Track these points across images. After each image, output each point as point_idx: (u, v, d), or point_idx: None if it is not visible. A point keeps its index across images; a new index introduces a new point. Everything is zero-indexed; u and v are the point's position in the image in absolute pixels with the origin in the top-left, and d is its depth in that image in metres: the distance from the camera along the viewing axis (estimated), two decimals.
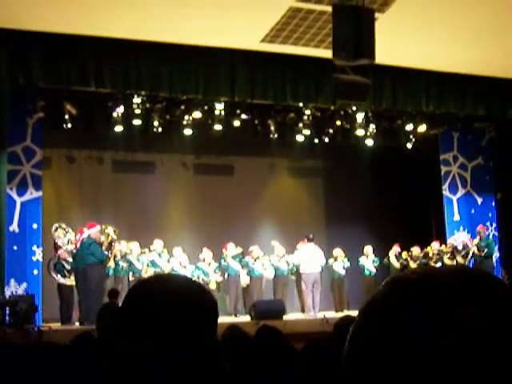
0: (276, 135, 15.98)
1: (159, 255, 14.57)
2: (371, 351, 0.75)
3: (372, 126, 16.34)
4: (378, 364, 0.74)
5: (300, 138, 16.11)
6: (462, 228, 16.80)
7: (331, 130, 16.43)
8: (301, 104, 14.87)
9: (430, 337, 0.72)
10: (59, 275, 13.40)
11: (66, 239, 13.66)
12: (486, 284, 0.76)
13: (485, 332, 0.71)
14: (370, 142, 16.57)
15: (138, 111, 14.46)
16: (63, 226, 13.85)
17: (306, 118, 15.61)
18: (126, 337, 1.44)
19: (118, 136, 15.24)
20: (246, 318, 13.20)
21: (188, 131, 15.28)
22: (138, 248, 14.40)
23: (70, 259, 13.35)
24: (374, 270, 16.18)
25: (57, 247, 13.65)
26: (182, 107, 14.91)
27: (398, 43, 12.74)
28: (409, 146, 17.10)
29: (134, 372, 1.42)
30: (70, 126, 14.34)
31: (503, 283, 0.78)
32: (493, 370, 0.69)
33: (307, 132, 15.91)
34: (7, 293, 12.69)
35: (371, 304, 0.79)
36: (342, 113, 15.98)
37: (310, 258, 14.65)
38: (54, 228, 13.70)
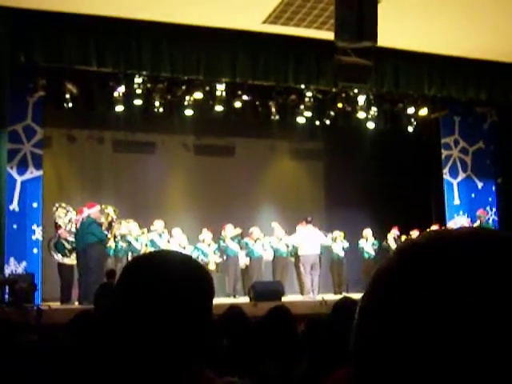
0: (277, 117, 15.94)
1: (160, 235, 14.58)
2: (376, 320, 0.73)
3: (373, 109, 16.30)
4: (385, 334, 0.71)
5: (301, 120, 16.07)
6: (461, 212, 16.80)
7: (332, 113, 16.39)
8: (302, 86, 14.82)
9: (436, 301, 0.69)
10: (60, 255, 13.43)
11: (67, 219, 13.68)
12: (502, 247, 0.72)
13: (504, 295, 0.67)
14: (371, 125, 16.54)
15: (139, 91, 14.41)
16: (63, 205, 13.88)
17: (307, 99, 15.57)
18: (122, 312, 1.44)
19: (119, 116, 15.20)
20: (245, 299, 13.23)
21: (189, 112, 15.25)
22: (137, 228, 14.43)
23: (71, 238, 13.38)
24: (373, 253, 16.16)
25: (57, 227, 13.68)
26: (183, 87, 14.86)
27: (400, 26, 12.68)
28: (410, 129, 17.07)
29: (130, 348, 1.43)
30: (70, 105, 14.28)
31: None
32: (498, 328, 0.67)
33: (308, 114, 15.87)
34: (7, 271, 12.73)
35: (377, 271, 0.76)
36: (344, 95, 15.94)
37: (308, 240, 14.63)
38: (54, 208, 13.73)
